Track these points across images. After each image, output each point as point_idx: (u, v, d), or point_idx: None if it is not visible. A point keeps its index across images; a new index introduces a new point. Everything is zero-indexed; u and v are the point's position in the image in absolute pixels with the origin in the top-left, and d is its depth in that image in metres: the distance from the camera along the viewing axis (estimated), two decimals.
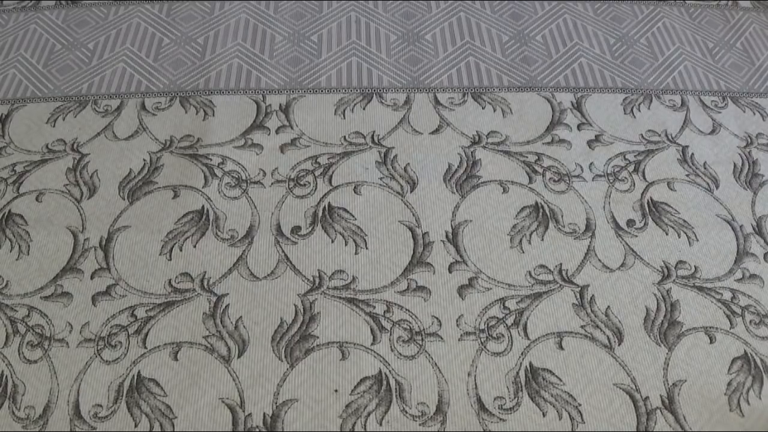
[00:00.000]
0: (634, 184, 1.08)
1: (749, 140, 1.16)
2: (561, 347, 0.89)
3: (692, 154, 1.13)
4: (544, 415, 0.83)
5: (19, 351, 0.87)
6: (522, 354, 0.88)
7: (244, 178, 1.06)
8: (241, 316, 0.90)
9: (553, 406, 0.84)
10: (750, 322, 0.92)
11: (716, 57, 1.31)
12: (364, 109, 1.17)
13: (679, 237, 1.01)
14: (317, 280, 0.94)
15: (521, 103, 1.19)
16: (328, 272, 0.95)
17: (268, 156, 1.09)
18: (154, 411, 0.82)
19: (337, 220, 1.01)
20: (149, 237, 0.98)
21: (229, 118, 1.15)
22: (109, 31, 1.30)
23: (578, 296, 0.94)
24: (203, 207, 1.02)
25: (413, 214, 1.02)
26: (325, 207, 1.02)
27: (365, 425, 0.81)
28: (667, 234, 1.02)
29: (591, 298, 0.94)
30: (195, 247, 0.97)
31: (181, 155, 1.09)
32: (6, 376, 0.85)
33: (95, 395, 0.83)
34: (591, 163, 1.10)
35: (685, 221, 1.03)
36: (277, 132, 1.13)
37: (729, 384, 0.86)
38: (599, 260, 0.98)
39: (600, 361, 0.88)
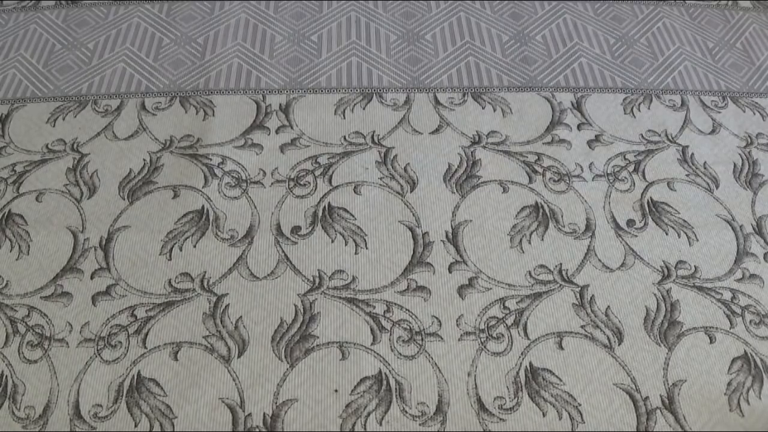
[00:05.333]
0: (634, 184, 1.08)
1: (749, 140, 1.16)
2: (561, 347, 0.89)
3: (692, 154, 1.13)
4: (544, 415, 0.83)
5: (19, 351, 0.87)
6: (522, 354, 0.88)
7: (244, 178, 1.06)
8: (241, 316, 0.90)
9: (553, 406, 0.84)
10: (750, 322, 0.93)
11: (716, 57, 1.31)
12: (364, 109, 1.17)
13: (679, 237, 1.01)
14: (317, 280, 0.94)
15: (521, 103, 1.19)
16: (328, 272, 0.95)
17: (268, 156, 1.09)
18: (154, 411, 0.82)
19: (337, 220, 1.01)
20: (149, 237, 0.98)
21: (229, 118, 1.15)
22: (109, 31, 1.30)
23: (578, 296, 0.94)
24: (203, 207, 1.02)
25: (413, 214, 1.02)
26: (325, 207, 1.02)
27: (365, 425, 0.81)
28: (667, 234, 1.02)
29: (591, 298, 0.94)
30: (195, 247, 0.97)
31: (181, 155, 1.09)
32: (6, 376, 0.85)
33: (95, 395, 0.83)
34: (591, 163, 1.10)
35: (685, 221, 1.03)
36: (277, 132, 1.13)
37: (729, 384, 0.86)
38: (599, 260, 0.98)
39: (600, 361, 0.88)
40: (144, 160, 1.08)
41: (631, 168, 1.10)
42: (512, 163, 1.09)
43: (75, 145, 1.10)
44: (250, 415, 0.82)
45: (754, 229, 1.03)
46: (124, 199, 1.03)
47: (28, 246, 0.97)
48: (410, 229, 1.00)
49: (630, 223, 1.03)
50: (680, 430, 0.82)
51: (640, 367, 0.87)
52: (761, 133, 1.17)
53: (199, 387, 0.84)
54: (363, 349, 0.88)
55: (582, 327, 0.91)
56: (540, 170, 1.09)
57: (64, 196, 1.03)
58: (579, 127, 1.16)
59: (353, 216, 1.02)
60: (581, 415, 0.83)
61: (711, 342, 0.90)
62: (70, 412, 0.82)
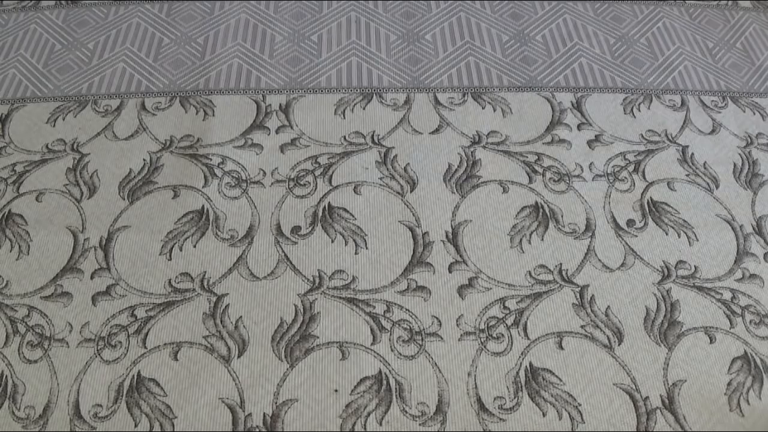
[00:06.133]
0: (634, 184, 1.08)
1: (749, 140, 1.16)
2: (561, 347, 0.89)
3: (692, 154, 1.13)
4: (544, 415, 0.83)
5: (19, 351, 0.87)
6: (522, 354, 0.88)
7: (244, 178, 1.06)
8: (241, 316, 0.90)
9: (553, 406, 0.84)
10: (750, 322, 0.93)
11: (716, 57, 1.31)
12: (364, 109, 1.17)
13: (679, 237, 1.01)
14: (317, 280, 0.94)
15: (521, 103, 1.19)
16: (328, 272, 0.95)
17: (268, 156, 1.09)
18: (154, 411, 0.82)
19: (337, 220, 1.01)
20: (149, 237, 0.98)
21: (229, 118, 1.15)
22: (109, 31, 1.30)
23: (578, 296, 0.94)
24: (203, 207, 1.02)
25: (413, 214, 1.02)
26: (325, 207, 1.03)
27: (365, 425, 0.81)
28: (667, 234, 1.02)
29: (591, 298, 0.94)
30: (195, 247, 0.97)
31: (181, 155, 1.09)
32: (6, 376, 0.85)
33: (95, 395, 0.83)
34: (591, 163, 1.10)
35: (685, 221, 1.03)
36: (277, 132, 1.13)
37: (729, 384, 0.86)
38: (599, 260, 0.98)
39: (600, 361, 0.88)
40: (144, 160, 1.08)
41: (631, 168, 1.10)
42: (512, 163, 1.09)
43: (75, 145, 1.10)
44: (250, 415, 0.82)
45: (754, 229, 1.03)
46: (124, 199, 1.03)
47: (28, 246, 0.97)
48: (410, 229, 1.00)
49: (630, 223, 1.03)
50: (680, 430, 0.82)
51: (640, 367, 0.87)
52: (761, 133, 1.17)
53: (199, 387, 0.84)
54: (363, 349, 0.88)
55: (582, 327, 0.91)
56: (540, 170, 1.09)
57: (64, 196, 1.03)
58: (579, 127, 1.16)
59: (353, 216, 1.02)
60: (581, 415, 0.83)
61: (711, 342, 0.90)
62: (70, 412, 0.82)
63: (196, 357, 0.87)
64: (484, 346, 0.88)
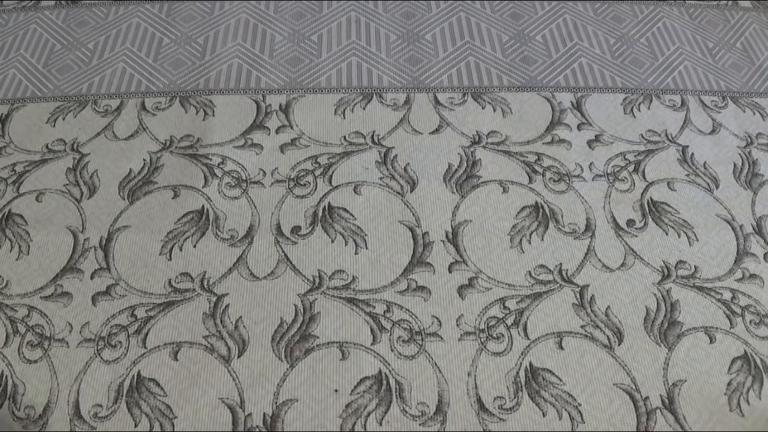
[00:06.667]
0: (634, 184, 1.08)
1: (749, 140, 1.16)
2: (561, 347, 0.89)
3: (692, 154, 1.13)
4: (544, 415, 0.83)
5: (19, 351, 0.87)
6: (522, 354, 0.88)
7: (244, 178, 1.06)
8: (241, 316, 0.90)
9: (553, 406, 0.84)
10: (750, 322, 0.93)
11: (716, 57, 1.31)
12: (364, 109, 1.17)
13: (679, 237, 1.01)
14: (317, 280, 0.94)
15: (521, 103, 1.19)
16: (328, 272, 0.95)
17: (268, 156, 1.09)
18: (154, 411, 0.82)
19: (337, 220, 1.01)
20: (149, 237, 0.98)
21: (229, 118, 1.15)
22: (109, 31, 1.30)
23: (578, 296, 0.94)
24: (203, 207, 1.02)
25: (413, 214, 1.02)
26: (325, 207, 1.03)
27: (365, 425, 0.81)
28: (667, 234, 1.02)
29: (591, 298, 0.94)
30: (195, 247, 0.97)
31: (181, 155, 1.09)
32: (6, 376, 0.85)
33: (95, 395, 0.83)
34: (591, 163, 1.10)
35: (685, 221, 1.03)
36: (277, 132, 1.13)
37: (729, 384, 0.86)
38: (599, 260, 0.98)
39: (600, 361, 0.88)
40: (144, 160, 1.08)
41: (631, 168, 1.10)
42: (512, 163, 1.09)
43: (75, 145, 1.10)
44: (250, 415, 0.82)
45: (754, 229, 1.03)
46: (124, 199, 1.03)
47: (28, 246, 0.97)
48: (410, 229, 1.00)
49: (630, 223, 1.03)
50: (680, 430, 0.82)
51: (640, 367, 0.87)
52: (761, 133, 1.17)
53: (199, 387, 0.84)
54: (363, 349, 0.88)
55: (582, 327, 0.91)
56: (540, 170, 1.09)
57: (64, 196, 1.03)
58: (579, 127, 1.16)
59: (353, 216, 1.02)
60: (581, 415, 0.83)
61: (711, 342, 0.90)
62: (70, 412, 0.82)
63: (196, 357, 0.87)
64: (484, 346, 0.88)
